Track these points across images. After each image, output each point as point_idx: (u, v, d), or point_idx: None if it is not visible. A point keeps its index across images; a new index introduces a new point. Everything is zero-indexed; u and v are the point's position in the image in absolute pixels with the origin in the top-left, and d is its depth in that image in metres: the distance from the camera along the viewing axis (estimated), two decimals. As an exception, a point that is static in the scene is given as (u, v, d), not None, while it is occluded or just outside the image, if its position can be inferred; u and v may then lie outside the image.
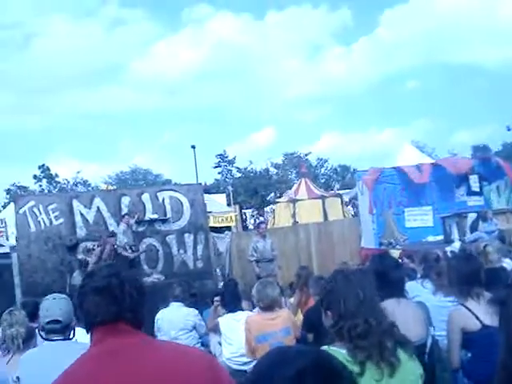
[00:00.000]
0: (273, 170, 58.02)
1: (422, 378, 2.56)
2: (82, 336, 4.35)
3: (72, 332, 3.64)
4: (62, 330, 3.49)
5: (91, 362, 2.02)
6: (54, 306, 3.54)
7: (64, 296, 3.78)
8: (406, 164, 15.52)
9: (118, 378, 1.90)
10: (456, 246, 11.08)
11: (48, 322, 3.47)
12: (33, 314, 5.23)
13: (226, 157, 58.25)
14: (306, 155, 57.47)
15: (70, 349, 3.36)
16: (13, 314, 4.67)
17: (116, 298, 2.01)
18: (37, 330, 4.74)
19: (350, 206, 23.42)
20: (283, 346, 1.45)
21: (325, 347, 2.47)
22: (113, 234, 11.66)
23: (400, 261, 8.96)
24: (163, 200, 13.19)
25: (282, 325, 5.16)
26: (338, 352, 2.39)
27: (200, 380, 1.91)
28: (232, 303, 6.30)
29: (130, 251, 11.80)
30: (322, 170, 59.59)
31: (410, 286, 5.04)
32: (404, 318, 3.50)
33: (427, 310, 3.89)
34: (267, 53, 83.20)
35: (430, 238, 14.08)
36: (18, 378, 3.20)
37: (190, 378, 1.91)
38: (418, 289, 5.16)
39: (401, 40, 79.38)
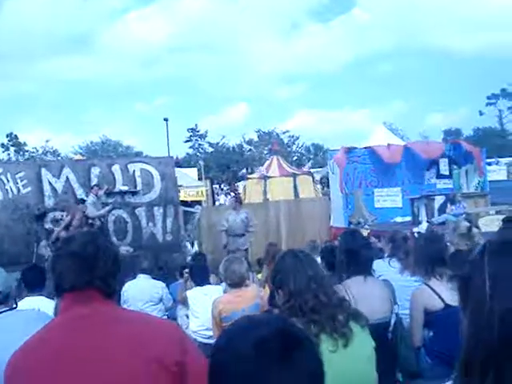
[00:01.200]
0: (246, 147, 57.99)
1: (374, 349, 2.60)
2: (44, 305, 4.34)
3: (14, 302, 3.58)
4: (3, 300, 3.41)
5: (59, 329, 2.00)
6: None
7: None
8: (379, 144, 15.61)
9: (85, 345, 1.88)
10: (423, 227, 11.22)
11: None
12: None
13: (198, 131, 58.02)
14: (284, 133, 57.48)
15: (19, 317, 3.31)
16: None
17: (89, 265, 1.98)
18: None
19: (318, 185, 23.51)
20: (250, 315, 1.45)
21: None
22: (82, 201, 11.49)
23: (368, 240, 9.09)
24: (134, 172, 13.10)
25: (250, 301, 5.15)
26: None
27: (169, 351, 1.91)
28: (200, 277, 6.30)
29: (98, 223, 11.69)
30: (294, 147, 59.66)
31: (377, 264, 5.08)
32: (370, 295, 3.55)
33: (392, 289, 3.94)
34: (243, 27, 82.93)
35: (398, 219, 14.25)
36: None
37: (158, 349, 1.90)
38: (385, 267, 5.21)
39: (377, 22, 79.54)
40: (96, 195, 11.88)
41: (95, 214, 11.50)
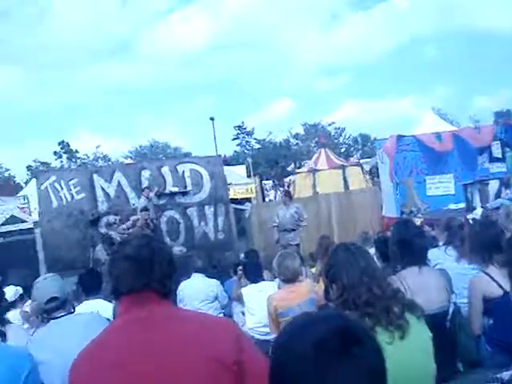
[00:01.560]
0: (293, 141, 57.87)
1: (431, 340, 2.56)
2: (102, 308, 4.45)
3: (72, 307, 3.67)
4: (61, 305, 3.50)
5: (118, 332, 2.05)
6: (46, 285, 3.55)
7: (52, 274, 3.83)
8: (426, 132, 15.32)
9: (145, 347, 1.91)
10: (478, 213, 10.97)
11: (46, 302, 3.47)
12: None
13: (245, 128, 58.21)
14: (330, 125, 57.11)
15: (77, 321, 3.41)
16: None
17: (145, 268, 2.02)
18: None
19: (368, 176, 23.23)
20: (309, 312, 1.44)
21: None
22: (146, 208, 11.66)
23: (422, 229, 8.95)
24: (183, 173, 13.23)
25: (304, 296, 5.14)
26: None
27: (227, 350, 1.92)
28: (254, 273, 6.33)
29: (151, 224, 11.84)
30: (341, 139, 59.20)
31: (433, 253, 4.99)
32: (426, 286, 3.49)
33: (449, 277, 3.87)
34: (283, 22, 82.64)
35: (452, 206, 13.95)
36: None
37: (216, 348, 1.92)
38: (441, 256, 5.12)
39: (417, 6, 78.05)
40: (147, 197, 12.06)
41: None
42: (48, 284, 3.56)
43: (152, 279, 2.02)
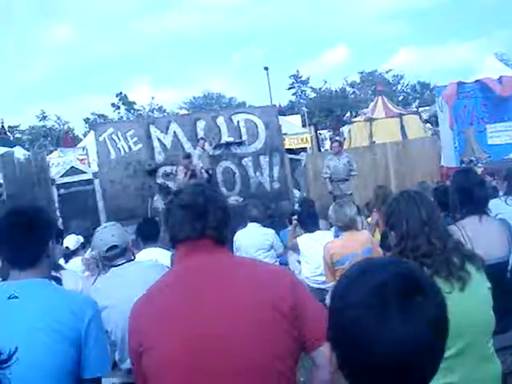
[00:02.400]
0: (349, 90, 56.92)
1: (490, 290, 2.50)
2: (160, 256, 4.53)
3: (132, 254, 3.75)
4: (121, 253, 3.59)
5: (176, 278, 2.08)
6: (106, 233, 3.63)
7: (113, 223, 3.90)
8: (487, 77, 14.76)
9: (203, 294, 1.94)
10: (542, 161, 10.61)
11: (106, 250, 3.56)
12: None
13: (300, 77, 57.52)
14: (387, 72, 55.80)
15: (138, 267, 3.49)
16: None
17: (201, 215, 2.03)
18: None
19: (428, 124, 22.69)
20: (369, 258, 1.41)
21: None
22: (188, 156, 11.74)
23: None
24: (238, 123, 13.23)
25: (362, 246, 5.11)
26: None
27: (283, 296, 1.93)
28: (309, 222, 6.32)
29: (206, 175, 11.93)
30: (399, 87, 57.82)
31: (493, 204, 4.85)
32: (486, 236, 3.41)
33: (510, 227, 3.75)
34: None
35: (513, 155, 13.53)
36: None
37: (274, 293, 1.93)
38: (501, 206, 4.96)
39: None
40: (202, 148, 12.13)
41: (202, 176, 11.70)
42: (108, 232, 3.64)
43: (208, 226, 2.02)
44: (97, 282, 3.87)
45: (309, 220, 6.38)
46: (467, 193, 3.61)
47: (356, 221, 5.40)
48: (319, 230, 6.31)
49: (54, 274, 3.39)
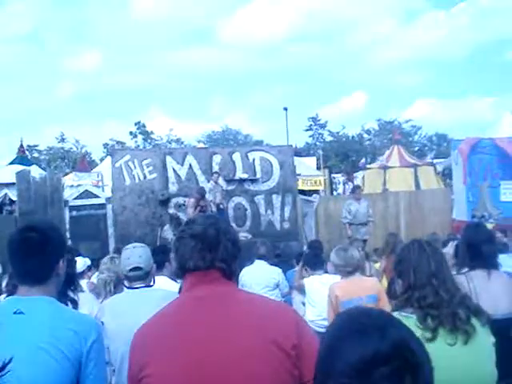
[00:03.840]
0: (366, 136, 57.13)
1: (494, 346, 2.48)
2: (166, 284, 4.51)
3: (152, 279, 3.75)
4: (143, 276, 3.58)
5: (182, 307, 2.09)
6: (135, 253, 3.62)
7: (142, 244, 3.85)
8: (505, 134, 14.83)
9: (207, 325, 1.94)
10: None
11: (130, 270, 3.57)
12: None
13: (319, 120, 57.83)
14: (406, 122, 56.01)
15: (152, 295, 3.47)
16: (113, 261, 4.85)
17: (211, 246, 2.04)
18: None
19: (440, 177, 22.66)
20: (361, 312, 1.29)
21: (395, 312, 2.46)
22: (202, 192, 11.75)
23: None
24: (253, 160, 13.32)
25: (368, 291, 5.06)
26: (409, 318, 2.39)
27: (286, 334, 1.93)
28: (315, 263, 6.29)
29: (215, 209, 11.95)
30: (416, 137, 57.97)
31: (503, 260, 4.85)
32: (494, 290, 3.40)
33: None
34: (359, 16, 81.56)
35: (526, 214, 13.47)
36: (102, 322, 3.33)
37: (276, 331, 1.92)
38: (510, 262, 4.97)
39: (501, 6, 75.15)
40: (215, 182, 12.19)
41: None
42: (137, 253, 3.64)
43: (217, 258, 2.04)
44: (110, 300, 3.88)
45: (315, 260, 6.36)
46: (476, 247, 3.62)
47: (360, 265, 5.36)
48: (326, 272, 6.28)
49: (72, 295, 3.41)
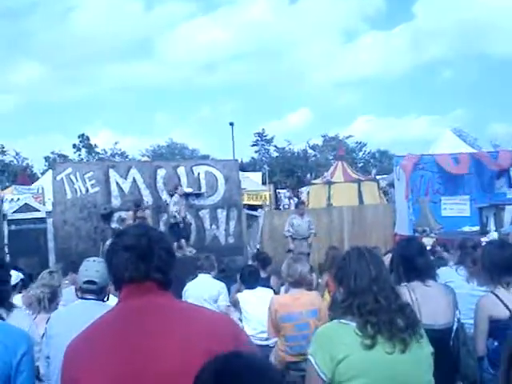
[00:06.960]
0: (311, 152, 57.83)
1: (432, 356, 2.51)
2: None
3: (107, 296, 3.69)
4: (97, 290, 3.57)
5: (117, 318, 2.04)
6: (93, 267, 3.62)
7: (101, 259, 3.80)
8: (446, 151, 15.25)
9: (142, 336, 1.91)
10: (492, 236, 10.86)
11: (84, 282, 3.57)
12: None
13: (265, 136, 58.22)
14: (347, 138, 57.01)
15: (99, 308, 3.40)
16: (52, 275, 4.76)
17: (145, 257, 2.01)
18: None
19: (383, 192, 23.11)
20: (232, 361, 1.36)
21: (335, 321, 2.52)
22: (138, 204, 11.77)
23: (433, 248, 8.88)
24: (198, 174, 13.27)
25: (308, 306, 5.04)
26: (349, 325, 2.42)
27: (224, 345, 1.89)
28: (250, 279, 6.26)
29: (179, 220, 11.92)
30: (360, 154, 59.09)
31: (444, 272, 4.96)
32: (434, 301, 3.46)
33: (454, 292, 3.81)
34: (301, 35, 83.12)
35: (466, 229, 13.85)
36: (43, 334, 3.27)
37: (213, 341, 1.89)
38: (452, 275, 5.07)
39: (438, 29, 77.96)
40: (180, 195, 12.08)
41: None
42: (94, 267, 3.62)
43: (152, 268, 2.01)
44: (63, 308, 3.93)
45: (250, 279, 6.32)
46: (409, 261, 3.71)
47: (307, 278, 5.36)
48: (263, 286, 6.25)
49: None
